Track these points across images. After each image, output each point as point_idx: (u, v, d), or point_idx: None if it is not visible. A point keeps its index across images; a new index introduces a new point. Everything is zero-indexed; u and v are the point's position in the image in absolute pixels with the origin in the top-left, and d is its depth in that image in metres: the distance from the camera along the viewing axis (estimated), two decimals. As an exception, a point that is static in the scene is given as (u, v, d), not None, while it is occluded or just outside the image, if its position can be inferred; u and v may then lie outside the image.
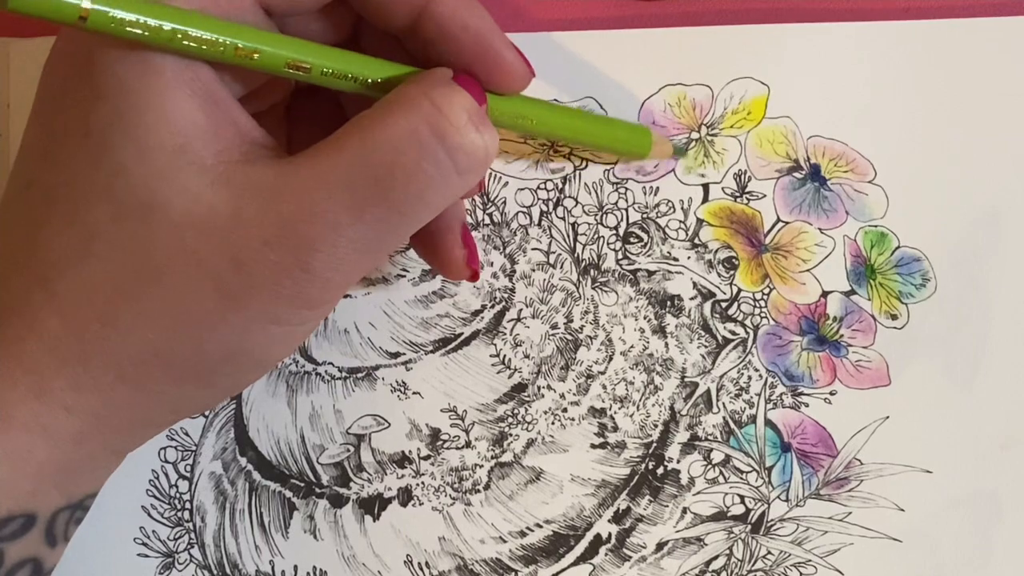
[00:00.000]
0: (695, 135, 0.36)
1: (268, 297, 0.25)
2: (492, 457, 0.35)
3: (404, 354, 0.36)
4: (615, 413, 0.35)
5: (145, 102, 0.24)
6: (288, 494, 0.36)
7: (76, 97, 0.25)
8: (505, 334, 0.36)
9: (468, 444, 0.36)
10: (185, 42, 0.24)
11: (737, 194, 0.36)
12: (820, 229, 0.36)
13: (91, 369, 0.25)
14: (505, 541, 0.35)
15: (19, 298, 0.25)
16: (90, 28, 0.23)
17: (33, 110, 0.26)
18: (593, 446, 0.35)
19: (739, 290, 0.36)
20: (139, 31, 0.23)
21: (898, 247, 0.35)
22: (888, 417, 0.35)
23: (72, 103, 0.25)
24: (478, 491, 0.35)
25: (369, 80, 0.27)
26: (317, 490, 0.36)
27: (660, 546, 0.35)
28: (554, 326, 0.36)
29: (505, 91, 0.28)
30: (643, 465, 0.35)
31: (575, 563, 0.35)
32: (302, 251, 0.24)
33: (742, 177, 0.36)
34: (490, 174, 0.36)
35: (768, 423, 0.35)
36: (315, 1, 0.27)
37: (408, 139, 0.24)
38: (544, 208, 0.36)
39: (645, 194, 0.36)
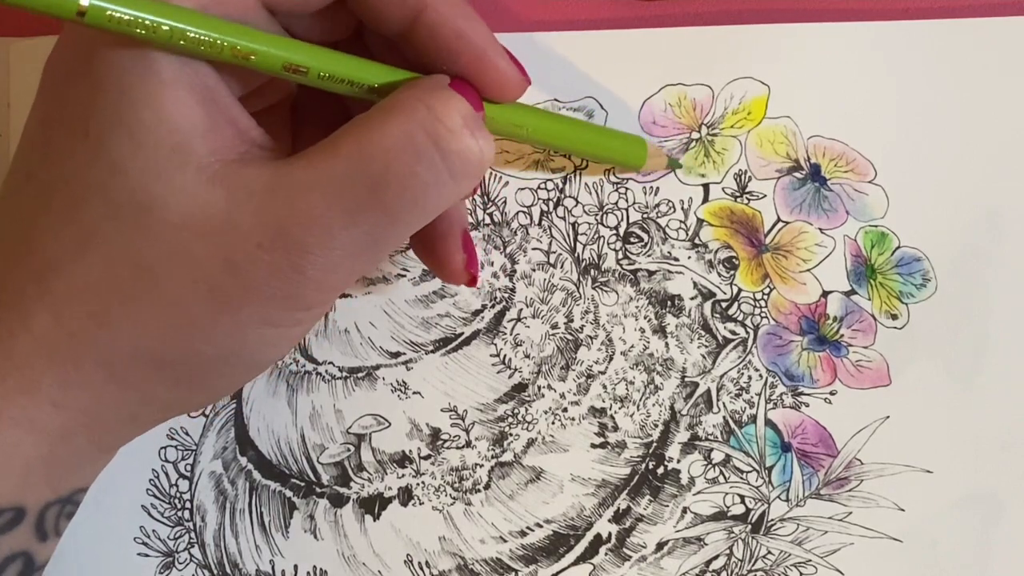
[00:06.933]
0: (695, 135, 0.36)
1: (262, 299, 0.25)
2: (492, 457, 0.35)
3: (404, 354, 0.36)
4: (615, 413, 0.35)
5: (143, 100, 0.24)
6: (288, 493, 0.36)
7: (76, 93, 0.25)
8: (505, 334, 0.36)
9: (468, 444, 0.36)
10: (182, 42, 0.24)
11: (737, 194, 0.36)
12: (820, 229, 0.36)
13: (81, 367, 0.25)
14: (505, 541, 0.35)
15: (13, 293, 0.25)
16: (89, 24, 0.23)
17: (35, 103, 0.26)
18: (593, 446, 0.35)
19: (739, 290, 0.36)
20: (137, 30, 0.23)
21: (898, 247, 0.35)
22: (888, 417, 0.35)
23: (72, 99, 0.25)
24: (478, 491, 0.35)
25: (366, 85, 0.27)
26: (317, 490, 0.36)
27: (660, 546, 0.35)
28: (554, 326, 0.36)
29: (500, 99, 0.28)
30: (643, 465, 0.35)
31: (575, 563, 0.35)
32: (295, 254, 0.24)
33: (742, 177, 0.36)
34: (490, 173, 0.36)
35: (768, 423, 0.35)
36: (318, 1, 0.27)
37: (404, 144, 0.24)
38: (544, 208, 0.36)
39: (645, 194, 0.36)
